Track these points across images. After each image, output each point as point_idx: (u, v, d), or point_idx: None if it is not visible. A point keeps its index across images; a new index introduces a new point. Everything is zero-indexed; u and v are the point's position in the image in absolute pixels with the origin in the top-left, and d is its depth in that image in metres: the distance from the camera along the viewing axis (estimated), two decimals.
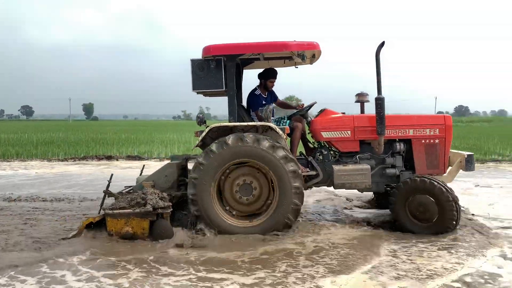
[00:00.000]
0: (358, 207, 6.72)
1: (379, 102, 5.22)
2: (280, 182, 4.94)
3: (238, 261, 4.22)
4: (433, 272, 3.88)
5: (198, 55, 5.36)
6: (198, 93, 5.55)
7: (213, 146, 4.97)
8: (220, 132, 5.22)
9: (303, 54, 5.23)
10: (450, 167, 5.61)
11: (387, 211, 5.77)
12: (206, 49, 5.19)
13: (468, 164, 5.35)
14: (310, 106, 5.85)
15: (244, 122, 5.39)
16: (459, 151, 5.69)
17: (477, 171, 9.22)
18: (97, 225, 5.02)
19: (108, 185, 5.36)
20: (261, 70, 6.04)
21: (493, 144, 17.60)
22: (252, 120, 5.74)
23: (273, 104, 6.02)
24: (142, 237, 4.85)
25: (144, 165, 7.03)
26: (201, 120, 5.56)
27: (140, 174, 6.44)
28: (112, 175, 5.58)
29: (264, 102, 5.78)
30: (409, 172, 5.55)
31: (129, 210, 4.81)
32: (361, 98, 5.97)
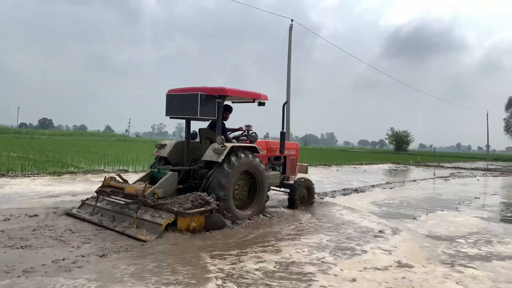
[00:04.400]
0: None
1: (283, 134, 8.84)
2: (263, 181, 7.63)
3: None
4: None
5: None
6: (199, 119, 7.22)
7: (233, 160, 6.97)
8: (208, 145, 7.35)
9: (264, 102, 8.16)
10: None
11: None
12: (221, 89, 7.16)
13: (307, 170, 9.96)
14: (243, 131, 8.63)
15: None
16: (299, 163, 10.13)
17: None
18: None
19: (139, 197, 6.10)
20: None
21: (71, 157, 18.96)
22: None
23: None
24: (199, 229, 6.19)
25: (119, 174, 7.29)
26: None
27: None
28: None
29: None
30: (283, 175, 9.45)
31: (202, 209, 6.10)
32: (248, 128, 9.33)
